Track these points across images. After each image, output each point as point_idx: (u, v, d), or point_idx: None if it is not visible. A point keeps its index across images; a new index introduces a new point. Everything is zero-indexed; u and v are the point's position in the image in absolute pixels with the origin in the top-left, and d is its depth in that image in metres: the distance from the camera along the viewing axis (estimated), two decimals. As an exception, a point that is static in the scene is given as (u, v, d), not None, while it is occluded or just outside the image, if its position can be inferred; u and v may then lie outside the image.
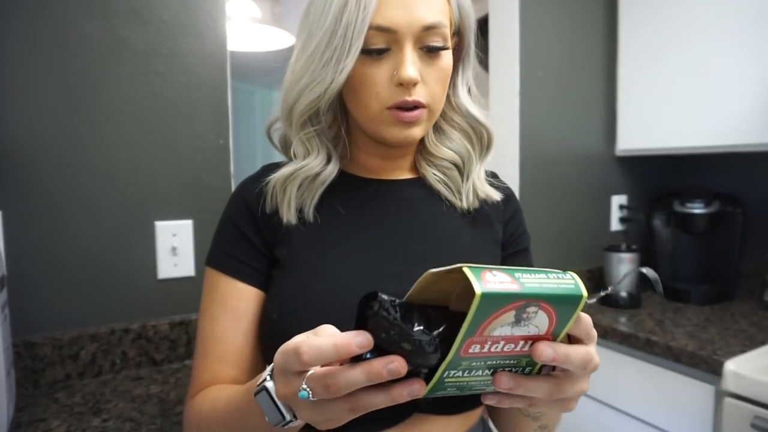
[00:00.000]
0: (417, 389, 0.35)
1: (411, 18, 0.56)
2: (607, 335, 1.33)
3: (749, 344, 1.16)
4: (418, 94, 0.59)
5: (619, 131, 1.70)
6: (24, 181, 0.95)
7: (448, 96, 0.68)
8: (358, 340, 0.34)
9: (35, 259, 0.96)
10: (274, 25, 2.06)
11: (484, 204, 0.71)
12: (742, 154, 1.51)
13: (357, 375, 0.34)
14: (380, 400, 0.35)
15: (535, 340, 0.36)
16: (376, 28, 0.56)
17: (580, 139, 1.65)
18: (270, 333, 0.62)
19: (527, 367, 0.39)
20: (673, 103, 1.52)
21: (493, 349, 0.35)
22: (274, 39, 2.08)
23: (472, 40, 0.67)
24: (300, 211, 0.65)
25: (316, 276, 0.62)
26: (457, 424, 0.63)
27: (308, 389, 0.36)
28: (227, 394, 0.57)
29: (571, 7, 1.59)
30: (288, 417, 0.43)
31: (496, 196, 0.71)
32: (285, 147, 0.69)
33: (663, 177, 1.84)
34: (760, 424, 1.01)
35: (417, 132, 0.62)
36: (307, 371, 0.38)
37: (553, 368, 0.42)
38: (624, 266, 1.53)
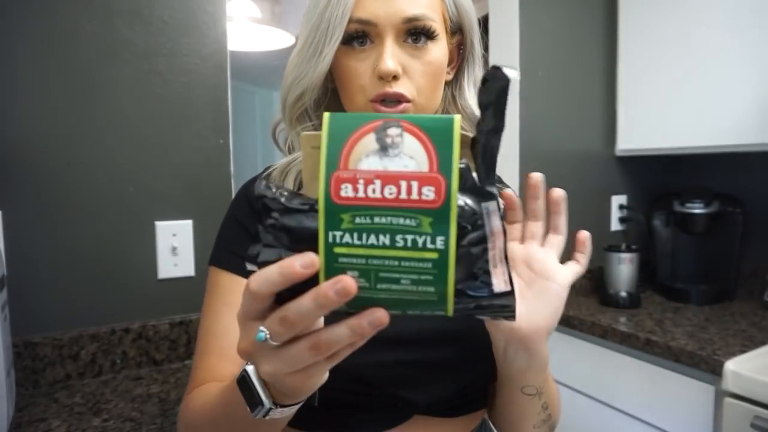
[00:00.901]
0: (379, 317, 0.32)
1: (391, 10, 0.56)
2: (607, 335, 1.33)
3: (749, 344, 1.16)
4: (401, 87, 0.58)
5: (619, 131, 1.70)
6: (24, 181, 0.95)
7: (454, 97, 0.67)
8: (300, 260, 0.31)
9: (35, 259, 0.96)
10: (274, 25, 2.06)
11: None
12: (742, 154, 1.51)
13: (306, 301, 0.31)
14: (340, 332, 0.32)
15: (421, 181, 0.30)
16: (357, 21, 0.57)
17: (580, 139, 1.65)
18: None
19: (436, 236, 0.30)
20: (673, 103, 1.52)
21: (371, 194, 0.30)
22: (274, 39, 2.08)
23: (476, 39, 0.65)
24: None
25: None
26: (458, 426, 0.63)
27: (265, 330, 0.34)
28: (218, 388, 0.55)
29: (571, 7, 1.59)
30: (266, 402, 0.40)
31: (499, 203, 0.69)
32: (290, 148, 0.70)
33: (663, 177, 1.84)
34: (760, 424, 1.01)
35: None
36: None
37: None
38: (624, 266, 1.53)
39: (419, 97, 0.60)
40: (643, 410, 1.26)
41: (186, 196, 1.10)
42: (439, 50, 0.60)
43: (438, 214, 0.29)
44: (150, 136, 1.05)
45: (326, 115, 0.31)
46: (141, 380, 1.00)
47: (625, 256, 1.53)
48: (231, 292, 0.64)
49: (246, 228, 0.66)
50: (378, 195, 0.30)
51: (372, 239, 0.30)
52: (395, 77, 0.58)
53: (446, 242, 0.30)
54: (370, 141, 0.30)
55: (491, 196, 0.32)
